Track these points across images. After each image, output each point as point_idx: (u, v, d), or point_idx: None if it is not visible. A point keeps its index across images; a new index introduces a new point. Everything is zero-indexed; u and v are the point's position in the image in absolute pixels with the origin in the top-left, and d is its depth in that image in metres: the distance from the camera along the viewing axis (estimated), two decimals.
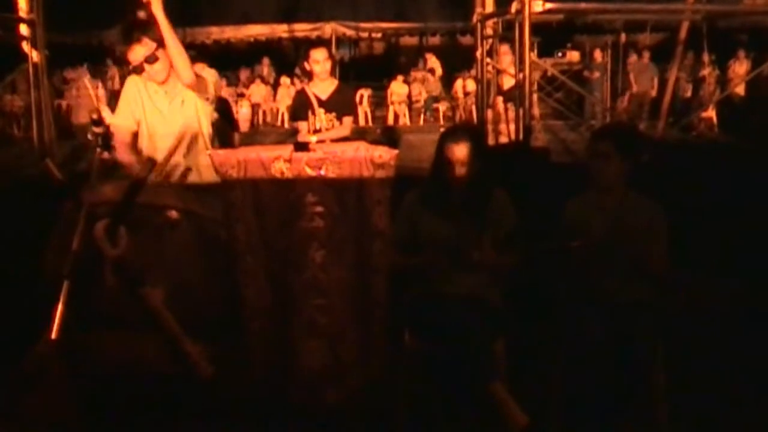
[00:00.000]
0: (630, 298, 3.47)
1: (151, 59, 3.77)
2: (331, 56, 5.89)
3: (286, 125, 17.51)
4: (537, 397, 3.42)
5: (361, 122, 17.67)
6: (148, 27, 3.77)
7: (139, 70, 3.79)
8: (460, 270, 3.56)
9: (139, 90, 3.92)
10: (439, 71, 19.21)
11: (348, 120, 5.79)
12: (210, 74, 4.16)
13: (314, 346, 3.20)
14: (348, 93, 6.24)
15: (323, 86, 5.81)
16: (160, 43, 3.78)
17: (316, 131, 5.55)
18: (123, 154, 3.88)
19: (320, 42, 7.91)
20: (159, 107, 3.91)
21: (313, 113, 5.70)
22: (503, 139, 9.71)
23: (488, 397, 3.16)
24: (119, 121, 3.95)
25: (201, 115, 3.98)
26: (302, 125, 5.72)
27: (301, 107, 5.85)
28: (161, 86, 3.89)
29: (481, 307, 3.48)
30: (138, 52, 3.76)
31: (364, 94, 18.19)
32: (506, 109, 12.62)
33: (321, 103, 5.74)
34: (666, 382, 3.41)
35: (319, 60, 5.73)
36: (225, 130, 5.96)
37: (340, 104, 5.79)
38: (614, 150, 3.55)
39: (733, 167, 8.13)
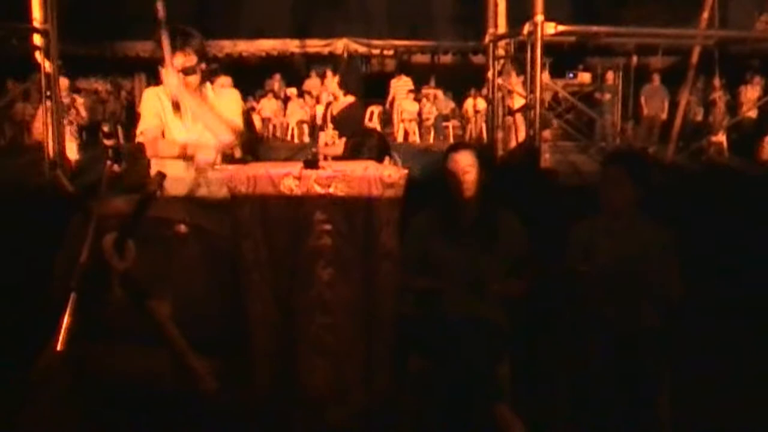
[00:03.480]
0: (637, 324, 3.45)
1: (189, 71, 3.76)
2: (334, 73, 5.98)
3: (296, 140, 17.56)
4: (542, 419, 3.40)
5: None
6: (192, 38, 3.78)
7: None
8: (472, 294, 3.56)
9: (160, 99, 3.90)
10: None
11: (344, 141, 5.76)
12: (231, 97, 4.08)
13: (319, 365, 3.18)
14: (352, 112, 6.11)
15: (338, 103, 5.97)
16: (200, 56, 3.79)
17: (327, 145, 5.68)
18: (155, 150, 3.82)
19: (322, 58, 8.07)
20: (180, 122, 3.88)
21: (325, 128, 5.79)
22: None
23: (493, 419, 3.15)
24: (149, 124, 3.87)
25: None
26: (321, 137, 5.85)
27: (325, 121, 6.08)
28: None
29: (486, 329, 3.47)
30: (177, 61, 3.71)
31: (374, 110, 18.24)
32: (516, 129, 12.64)
33: (332, 119, 5.84)
34: (671, 408, 3.39)
35: (326, 77, 5.90)
36: (251, 141, 6.00)
37: (341, 122, 5.86)
38: (626, 176, 3.54)
39: (744, 192, 8.11)
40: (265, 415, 3.25)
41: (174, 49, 3.71)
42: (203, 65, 3.84)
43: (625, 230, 3.58)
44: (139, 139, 3.87)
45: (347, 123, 5.84)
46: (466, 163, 3.62)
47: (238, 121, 3.99)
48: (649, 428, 3.36)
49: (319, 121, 17.02)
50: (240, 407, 3.18)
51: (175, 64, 3.72)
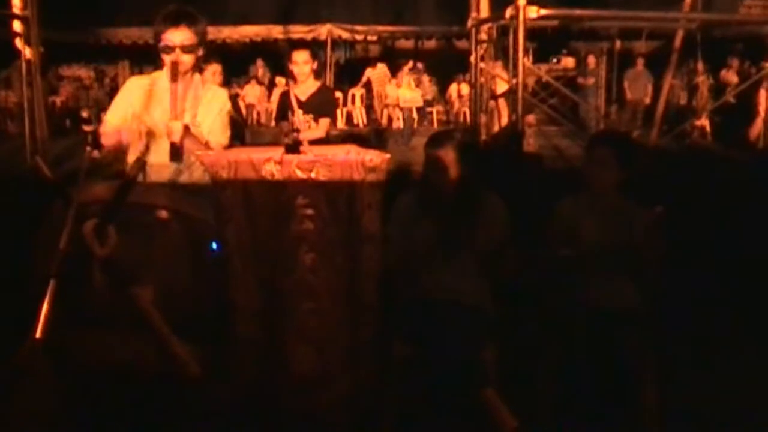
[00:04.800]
0: (620, 305, 3.46)
1: (187, 49, 3.75)
2: (314, 59, 5.94)
3: None
4: (527, 402, 3.41)
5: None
6: (198, 20, 3.81)
7: (168, 50, 3.75)
8: (451, 271, 3.55)
9: (143, 89, 3.86)
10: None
11: (324, 122, 5.85)
12: (219, 96, 4.06)
13: (303, 350, 3.17)
14: (326, 95, 6.23)
15: (304, 87, 5.93)
16: (200, 41, 3.81)
17: (295, 131, 5.59)
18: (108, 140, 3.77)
19: (304, 44, 7.91)
20: (164, 106, 3.85)
21: (293, 114, 5.76)
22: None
23: (478, 402, 3.15)
24: (113, 117, 3.86)
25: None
26: (284, 125, 5.78)
27: (283, 108, 5.99)
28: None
29: (470, 313, 3.47)
30: (178, 36, 3.72)
31: (356, 94, 18.24)
32: (499, 114, 12.64)
33: (300, 104, 5.85)
34: (657, 387, 3.40)
35: (298, 62, 5.87)
36: (237, 126, 5.95)
37: (317, 105, 5.87)
38: (612, 157, 3.54)
39: (727, 175, 8.15)
40: (249, 400, 3.25)
41: (178, 25, 3.73)
42: (200, 51, 3.84)
43: (608, 210, 3.59)
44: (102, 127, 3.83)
45: (323, 106, 5.91)
46: (446, 159, 3.58)
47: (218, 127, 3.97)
48: (635, 415, 3.37)
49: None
50: (224, 393, 3.17)
51: (174, 39, 3.73)
